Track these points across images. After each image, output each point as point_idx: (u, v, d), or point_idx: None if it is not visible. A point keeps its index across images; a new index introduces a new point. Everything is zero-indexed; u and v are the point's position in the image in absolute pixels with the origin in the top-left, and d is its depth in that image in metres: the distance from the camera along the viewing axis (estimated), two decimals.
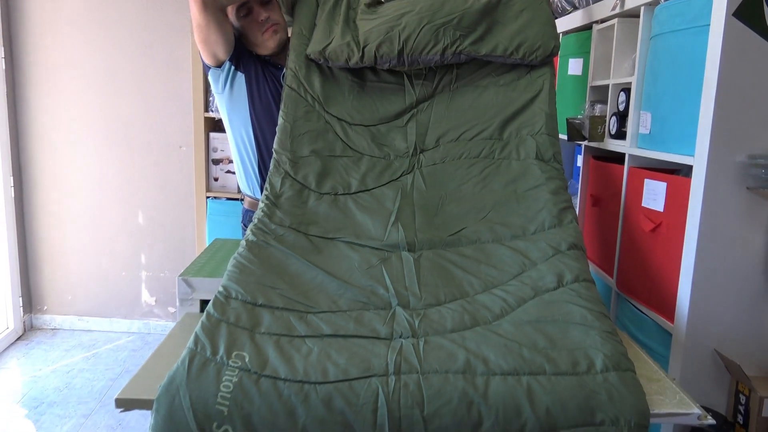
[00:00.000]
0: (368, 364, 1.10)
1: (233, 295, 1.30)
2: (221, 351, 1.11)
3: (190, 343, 1.14)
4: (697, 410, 1.12)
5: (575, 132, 2.09)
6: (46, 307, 3.72)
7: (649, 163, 1.69)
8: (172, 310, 3.71)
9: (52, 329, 3.71)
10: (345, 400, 1.03)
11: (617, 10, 1.86)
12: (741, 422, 1.42)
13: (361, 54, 1.67)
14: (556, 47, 1.73)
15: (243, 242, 1.47)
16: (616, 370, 1.10)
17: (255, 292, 1.31)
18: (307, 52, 1.74)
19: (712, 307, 1.43)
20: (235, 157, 1.98)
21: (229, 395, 1.03)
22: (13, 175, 3.51)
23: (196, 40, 1.75)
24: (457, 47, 1.67)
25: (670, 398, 1.16)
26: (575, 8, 2.41)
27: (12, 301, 3.54)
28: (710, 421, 1.12)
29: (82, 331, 3.71)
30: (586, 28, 2.20)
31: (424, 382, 1.06)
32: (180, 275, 1.60)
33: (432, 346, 1.15)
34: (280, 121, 1.69)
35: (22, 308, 3.62)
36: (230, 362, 1.09)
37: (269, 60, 1.89)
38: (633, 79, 1.76)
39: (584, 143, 2.13)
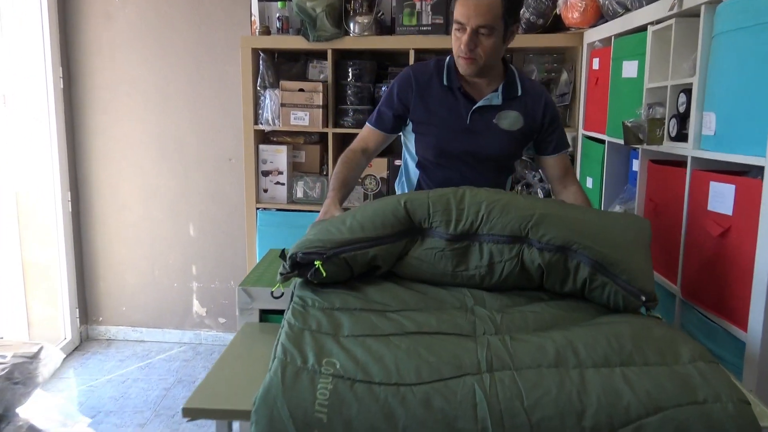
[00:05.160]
0: (459, 361, 1.11)
1: (309, 303, 1.31)
2: (311, 359, 1.11)
3: (278, 353, 1.14)
4: None
5: (632, 136, 2.04)
6: (101, 318, 3.82)
7: (714, 165, 1.64)
8: (222, 320, 3.75)
9: (107, 339, 3.80)
10: (443, 398, 1.04)
11: (675, 10, 1.81)
12: None
13: None
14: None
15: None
16: (702, 360, 1.13)
17: (331, 297, 1.32)
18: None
19: None
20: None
21: (326, 402, 1.03)
22: (70, 190, 3.62)
23: None
24: None
25: None
26: (627, 10, 2.36)
27: (69, 312, 3.64)
28: None
29: (135, 341, 3.79)
30: (640, 29, 2.15)
31: (519, 377, 1.08)
32: (240, 285, 1.62)
33: (519, 341, 1.16)
34: None
35: (78, 319, 3.72)
36: (322, 369, 1.09)
37: (460, 88, 1.87)
38: (694, 80, 1.71)
39: (642, 147, 2.08)
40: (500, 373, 1.09)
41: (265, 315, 1.61)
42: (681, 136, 1.82)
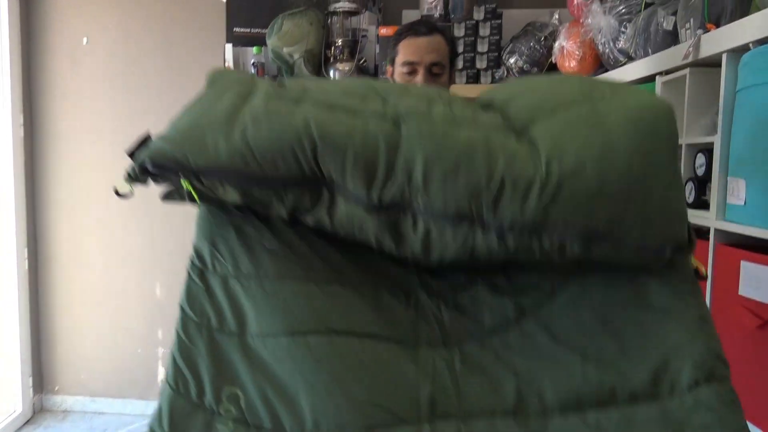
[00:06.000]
0: (395, 401, 0.87)
1: (209, 264, 0.99)
2: (208, 390, 0.88)
3: (168, 377, 0.90)
4: None
5: None
6: (57, 387, 3.48)
7: (746, 240, 1.38)
8: None
9: (63, 411, 3.45)
10: None
11: (689, 59, 1.58)
12: None
13: None
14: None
15: None
16: (708, 382, 0.87)
17: (236, 251, 0.98)
18: None
19: None
20: None
21: None
22: (27, 245, 3.33)
23: None
24: None
25: None
26: (630, 59, 2.15)
27: (21, 382, 3.30)
28: None
29: (94, 413, 3.43)
30: (646, 80, 1.92)
31: (465, 429, 0.87)
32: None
33: (471, 367, 0.91)
34: None
35: (32, 389, 3.38)
36: (221, 409, 0.87)
37: None
38: (715, 140, 1.47)
39: None
40: (443, 423, 0.87)
41: None
42: (700, 203, 1.57)
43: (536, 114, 0.94)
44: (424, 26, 1.75)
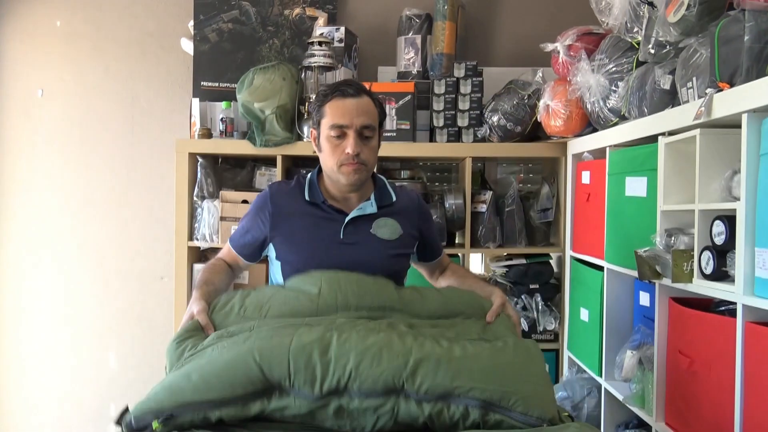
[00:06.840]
0: None
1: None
2: None
3: None
4: None
5: (648, 269, 1.66)
6: None
7: None
8: None
9: None
10: None
11: (701, 119, 1.48)
12: None
13: None
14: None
15: None
16: None
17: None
18: None
19: None
20: None
21: None
22: None
23: None
24: None
25: None
26: (623, 118, 2.06)
27: None
28: None
29: None
30: (649, 140, 1.82)
31: None
32: None
33: None
34: None
35: None
36: None
37: (324, 202, 1.65)
38: (738, 207, 1.35)
39: (659, 282, 1.69)
40: None
41: None
42: (720, 275, 1.44)
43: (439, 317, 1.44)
44: (352, 87, 1.63)
